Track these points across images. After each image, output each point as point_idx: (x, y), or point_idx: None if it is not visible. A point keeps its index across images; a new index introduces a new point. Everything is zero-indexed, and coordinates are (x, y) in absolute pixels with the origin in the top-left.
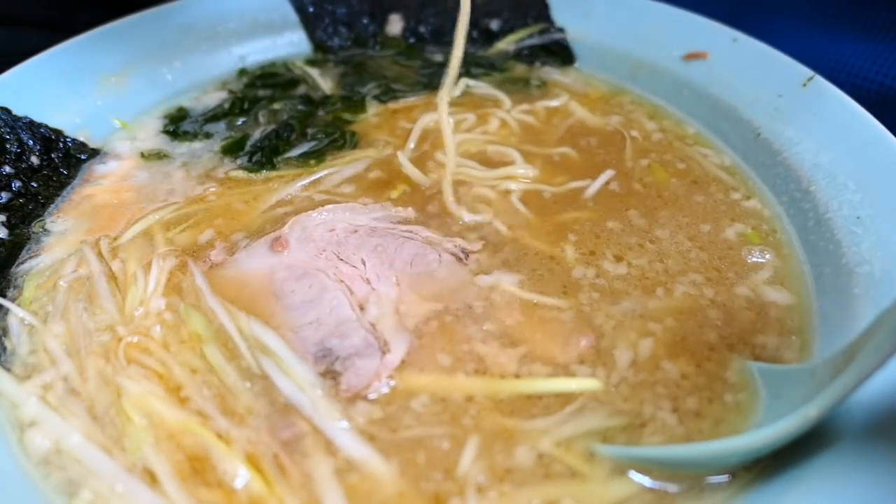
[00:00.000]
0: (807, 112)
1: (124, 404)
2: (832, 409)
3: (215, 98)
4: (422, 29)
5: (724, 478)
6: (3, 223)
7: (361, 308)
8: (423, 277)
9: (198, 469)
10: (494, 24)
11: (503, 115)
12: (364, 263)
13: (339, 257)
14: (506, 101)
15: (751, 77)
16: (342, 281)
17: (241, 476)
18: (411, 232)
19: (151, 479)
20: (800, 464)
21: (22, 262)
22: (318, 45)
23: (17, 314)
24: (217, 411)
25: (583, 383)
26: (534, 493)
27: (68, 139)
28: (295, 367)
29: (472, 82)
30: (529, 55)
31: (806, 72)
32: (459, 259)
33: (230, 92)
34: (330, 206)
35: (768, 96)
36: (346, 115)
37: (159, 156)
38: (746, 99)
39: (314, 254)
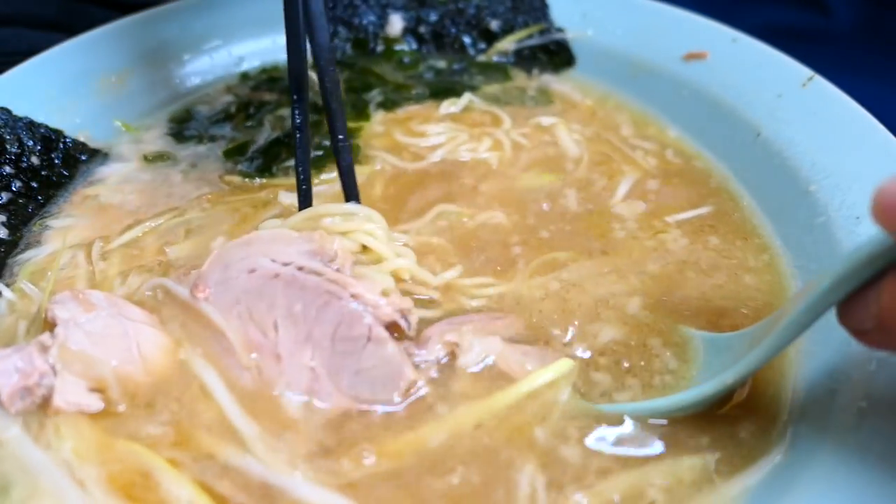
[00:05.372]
0: (807, 112)
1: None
2: (746, 378)
3: (221, 102)
4: (422, 30)
5: None
6: (2, 223)
7: (263, 398)
8: (343, 361)
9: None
10: (494, 25)
11: (500, 134)
12: (276, 330)
13: (252, 316)
14: (506, 120)
15: (751, 77)
16: (251, 355)
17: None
18: (338, 285)
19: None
20: (800, 463)
21: (20, 253)
22: None
23: (6, 296)
24: None
25: (557, 368)
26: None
27: (68, 139)
28: None
29: (475, 98)
30: (529, 56)
31: (806, 72)
32: (398, 330)
33: (236, 96)
34: (255, 234)
35: (768, 96)
36: (350, 124)
37: (162, 158)
38: (746, 99)
39: (227, 305)
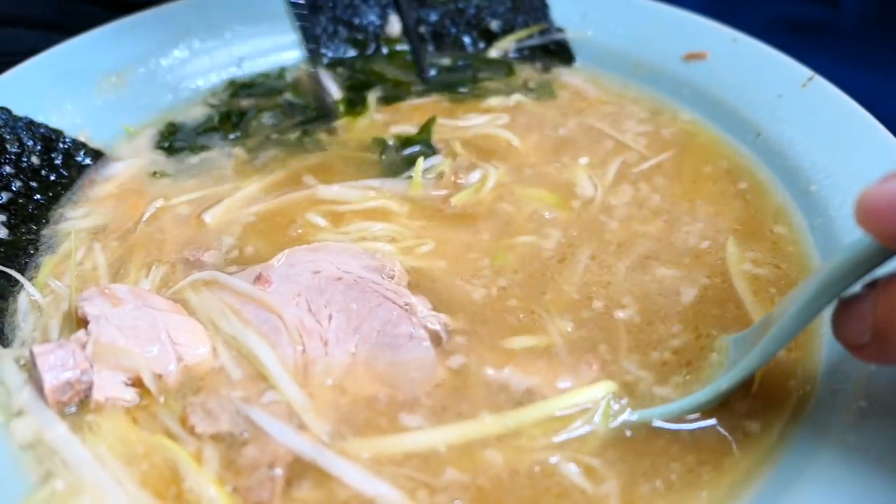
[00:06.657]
0: (807, 112)
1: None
2: (740, 382)
3: (202, 113)
4: (422, 30)
5: None
6: (3, 223)
7: (305, 373)
8: (383, 352)
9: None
10: (494, 25)
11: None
12: (330, 321)
13: (310, 307)
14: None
15: (751, 77)
16: (301, 336)
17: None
18: (395, 293)
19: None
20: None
21: (39, 247)
22: (317, 46)
23: (29, 291)
24: None
25: (597, 389)
26: None
27: (68, 139)
28: None
29: (524, 98)
30: (530, 56)
31: (806, 72)
32: (436, 339)
33: (211, 106)
34: (324, 244)
35: (768, 96)
36: (345, 119)
37: (160, 174)
38: (746, 99)
39: (289, 297)
